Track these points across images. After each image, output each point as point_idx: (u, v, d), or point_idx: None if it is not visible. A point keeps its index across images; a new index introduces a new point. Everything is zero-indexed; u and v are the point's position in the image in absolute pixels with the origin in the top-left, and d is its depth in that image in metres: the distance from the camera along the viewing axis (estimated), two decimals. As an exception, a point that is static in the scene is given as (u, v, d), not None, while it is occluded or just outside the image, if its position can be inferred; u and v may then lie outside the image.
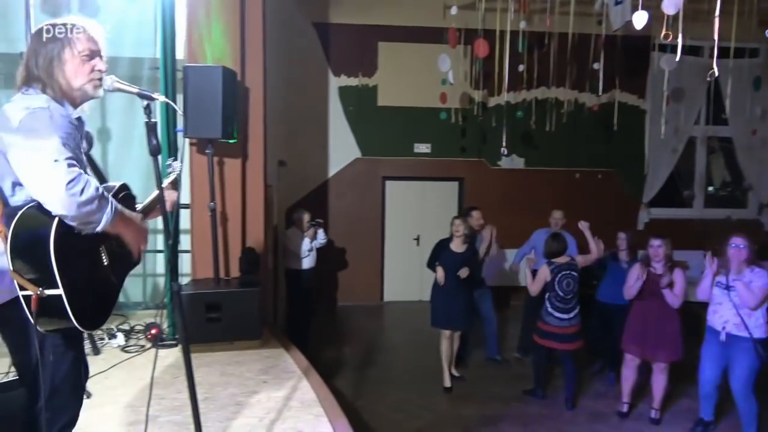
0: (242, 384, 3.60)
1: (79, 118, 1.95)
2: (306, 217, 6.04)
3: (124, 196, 2.10)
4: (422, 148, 8.55)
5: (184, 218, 4.74)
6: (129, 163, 5.05)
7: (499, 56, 6.72)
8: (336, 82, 8.33)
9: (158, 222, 2.30)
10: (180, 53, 4.57)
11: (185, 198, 4.59)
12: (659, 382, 4.64)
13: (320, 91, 8.28)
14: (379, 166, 8.49)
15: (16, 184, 1.78)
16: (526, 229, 6.35)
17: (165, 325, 4.47)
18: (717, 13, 3.46)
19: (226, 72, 4.24)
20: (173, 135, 4.36)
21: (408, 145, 8.51)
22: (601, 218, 7.74)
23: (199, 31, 4.54)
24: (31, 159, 1.69)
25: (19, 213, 1.73)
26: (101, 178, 2.17)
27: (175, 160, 2.59)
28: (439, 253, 5.29)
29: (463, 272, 5.12)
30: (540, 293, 4.98)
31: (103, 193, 1.76)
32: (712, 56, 3.72)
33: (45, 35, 1.88)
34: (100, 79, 1.94)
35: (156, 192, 2.21)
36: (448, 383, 5.40)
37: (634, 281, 4.57)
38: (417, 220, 8.71)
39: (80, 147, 1.85)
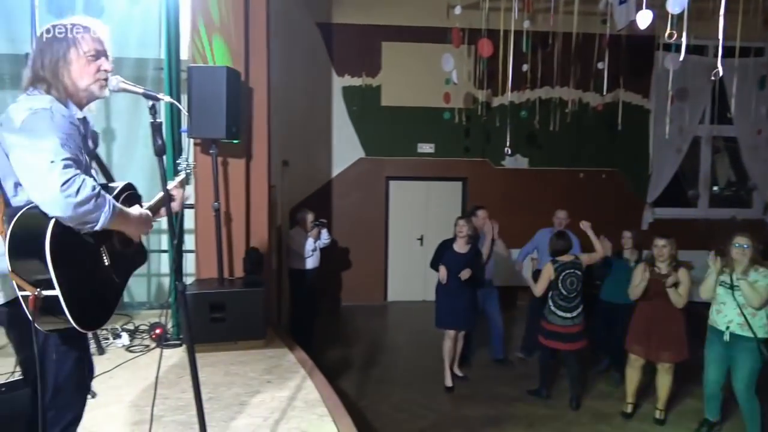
0: (246, 384, 3.61)
1: (84, 118, 1.95)
2: (310, 217, 6.05)
3: (129, 195, 2.10)
4: (426, 148, 8.55)
5: (189, 218, 4.76)
6: (133, 163, 5.07)
7: (503, 56, 6.71)
8: (339, 82, 8.33)
9: (163, 222, 2.30)
10: (184, 54, 4.58)
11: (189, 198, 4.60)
12: (664, 382, 4.63)
13: (324, 91, 8.29)
14: (382, 166, 8.49)
15: (18, 185, 1.79)
16: (529, 229, 6.34)
17: (169, 325, 4.47)
18: (722, 12, 3.45)
19: (230, 72, 4.25)
20: (178, 135, 4.37)
21: (411, 145, 8.51)
22: (605, 218, 7.71)
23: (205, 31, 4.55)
24: (28, 159, 1.70)
25: (19, 213, 1.74)
26: (108, 177, 2.17)
27: (186, 159, 2.60)
28: (443, 254, 5.29)
29: (465, 274, 5.12)
30: (545, 293, 4.97)
31: (99, 192, 1.76)
32: (716, 55, 3.71)
33: (50, 36, 1.89)
34: (106, 80, 1.95)
35: (169, 185, 2.23)
36: (449, 383, 5.40)
37: (638, 281, 4.56)
38: (420, 220, 8.70)
39: (81, 147, 1.84)
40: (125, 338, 4.35)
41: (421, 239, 8.68)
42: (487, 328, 6.04)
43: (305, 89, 7.98)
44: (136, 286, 5.36)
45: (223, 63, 4.43)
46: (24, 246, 1.73)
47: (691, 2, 3.93)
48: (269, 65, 4.84)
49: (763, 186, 8.92)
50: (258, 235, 4.83)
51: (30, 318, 1.76)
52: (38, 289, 1.73)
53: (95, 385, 2.96)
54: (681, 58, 3.87)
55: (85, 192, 1.70)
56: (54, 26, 1.91)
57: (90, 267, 1.87)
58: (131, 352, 4.16)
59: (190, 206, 4.65)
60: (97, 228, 1.77)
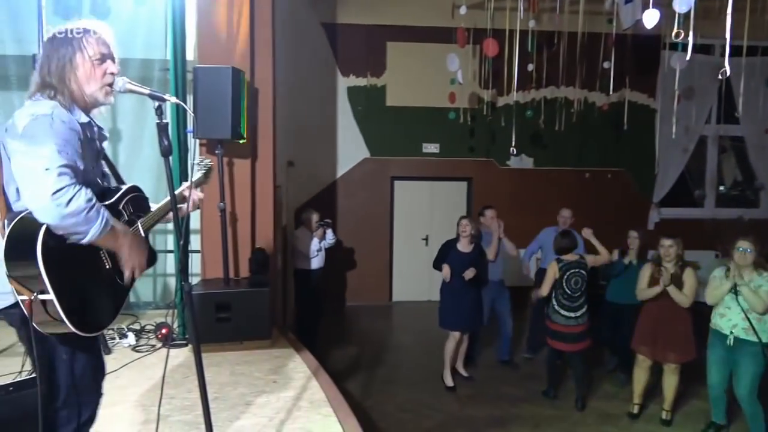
0: (252, 384, 3.61)
1: (89, 122, 1.96)
2: (315, 217, 6.05)
3: (134, 197, 2.10)
4: (431, 148, 8.54)
5: (194, 218, 4.77)
6: (139, 164, 5.09)
7: (508, 56, 6.70)
8: (344, 83, 8.34)
9: (168, 222, 2.31)
10: (190, 54, 4.59)
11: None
12: (670, 382, 4.61)
13: (329, 91, 8.30)
14: (387, 166, 8.49)
15: (19, 190, 1.80)
16: (535, 228, 6.33)
17: (175, 325, 4.49)
18: (729, 10, 3.43)
19: (235, 73, 4.26)
20: (184, 136, 4.38)
21: (417, 145, 8.50)
22: (611, 218, 7.72)
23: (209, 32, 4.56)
24: (25, 165, 1.71)
25: (16, 218, 1.75)
26: (118, 179, 2.18)
27: (203, 158, 2.60)
28: (447, 254, 5.28)
29: (469, 273, 5.12)
30: (550, 293, 4.96)
31: (94, 206, 1.75)
32: (723, 54, 3.69)
33: (56, 41, 1.90)
34: (112, 84, 1.95)
35: (180, 188, 2.23)
36: (450, 383, 5.40)
37: (646, 284, 4.54)
38: (425, 220, 8.70)
39: (81, 153, 1.83)
40: (131, 338, 4.36)
41: (426, 239, 8.68)
42: (496, 327, 6.02)
43: (310, 89, 8.00)
44: (142, 286, 5.38)
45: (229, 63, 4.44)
46: (18, 250, 1.73)
47: (698, 1, 3.91)
48: (275, 66, 4.85)
49: (770, 186, 8.87)
50: (263, 235, 4.83)
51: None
52: (34, 294, 1.73)
53: (102, 384, 2.97)
54: (688, 58, 3.86)
55: (77, 204, 1.70)
56: (60, 31, 1.92)
57: (88, 271, 1.87)
58: (137, 351, 4.17)
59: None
60: (84, 242, 1.75)
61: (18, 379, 2.79)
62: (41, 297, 1.73)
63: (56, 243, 1.74)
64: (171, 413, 3.15)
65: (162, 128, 2.01)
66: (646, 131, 8.66)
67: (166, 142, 2.01)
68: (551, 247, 5.34)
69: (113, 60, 1.97)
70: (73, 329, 1.77)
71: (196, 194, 2.35)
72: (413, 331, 7.27)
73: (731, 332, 4.12)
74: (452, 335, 5.37)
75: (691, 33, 3.70)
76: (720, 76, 3.68)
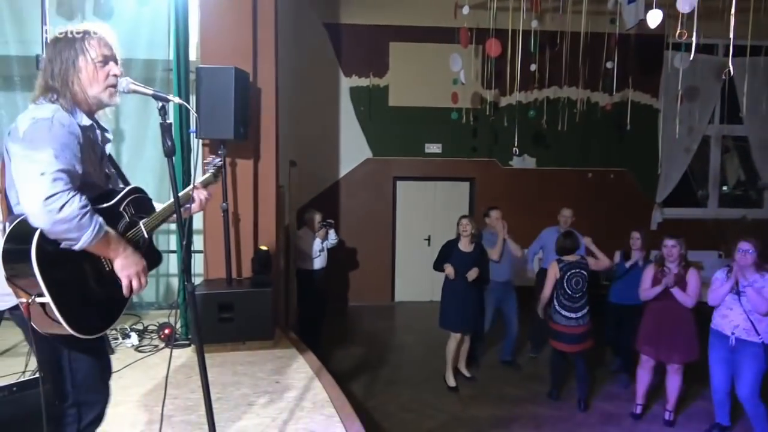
0: (254, 384, 3.62)
1: (91, 125, 1.96)
2: (317, 217, 6.05)
3: (137, 199, 2.09)
4: (433, 148, 8.54)
5: (197, 219, 4.77)
6: (142, 165, 5.10)
7: (511, 56, 6.69)
8: (347, 83, 8.34)
9: (170, 223, 2.31)
10: (193, 55, 4.60)
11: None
12: (674, 383, 4.60)
13: (331, 91, 8.30)
14: (390, 166, 8.49)
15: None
16: (537, 229, 6.32)
17: (178, 325, 4.49)
18: (733, 10, 3.42)
19: (238, 73, 4.26)
20: (187, 136, 4.39)
21: (419, 146, 8.50)
22: (614, 218, 7.72)
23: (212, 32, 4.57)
24: (23, 169, 1.72)
25: (16, 221, 1.76)
26: (124, 181, 2.18)
27: (214, 157, 2.58)
28: (449, 254, 5.27)
29: (472, 274, 5.12)
30: (552, 293, 4.96)
31: (87, 213, 1.74)
32: (726, 54, 3.68)
33: (59, 44, 1.90)
34: (116, 86, 1.96)
35: (187, 189, 2.24)
36: (452, 383, 5.40)
37: (649, 284, 4.53)
38: (428, 221, 8.70)
39: (79, 157, 1.82)
40: (134, 338, 4.37)
41: (428, 239, 8.67)
42: (500, 328, 6.01)
43: (313, 90, 8.00)
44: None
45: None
46: (15, 253, 1.74)
47: (701, 1, 3.90)
48: (277, 66, 4.85)
49: (774, 185, 8.85)
50: (266, 235, 4.84)
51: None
52: (32, 296, 1.74)
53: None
54: (691, 58, 3.85)
55: (70, 210, 1.70)
56: (62, 34, 1.92)
57: (87, 274, 1.86)
58: (140, 352, 4.18)
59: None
60: (76, 248, 1.75)
61: (21, 379, 2.79)
62: (38, 300, 1.73)
63: (53, 246, 1.74)
64: (174, 413, 3.15)
65: (165, 128, 2.01)
66: (649, 131, 8.63)
67: (169, 143, 2.01)
68: (552, 248, 5.34)
69: (116, 61, 1.97)
70: (72, 332, 1.78)
71: (203, 193, 2.34)
72: (416, 332, 7.26)
73: (733, 333, 4.11)
74: (453, 335, 5.37)
75: (694, 33, 3.69)
76: (724, 76, 3.68)
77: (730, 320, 4.13)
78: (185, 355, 4.15)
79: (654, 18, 4.03)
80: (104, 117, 2.07)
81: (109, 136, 2.08)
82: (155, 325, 4.61)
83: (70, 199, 1.70)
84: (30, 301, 1.74)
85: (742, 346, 4.08)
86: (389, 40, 8.28)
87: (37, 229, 1.71)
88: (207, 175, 2.50)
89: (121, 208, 2.01)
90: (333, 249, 6.34)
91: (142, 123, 5.08)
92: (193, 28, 4.56)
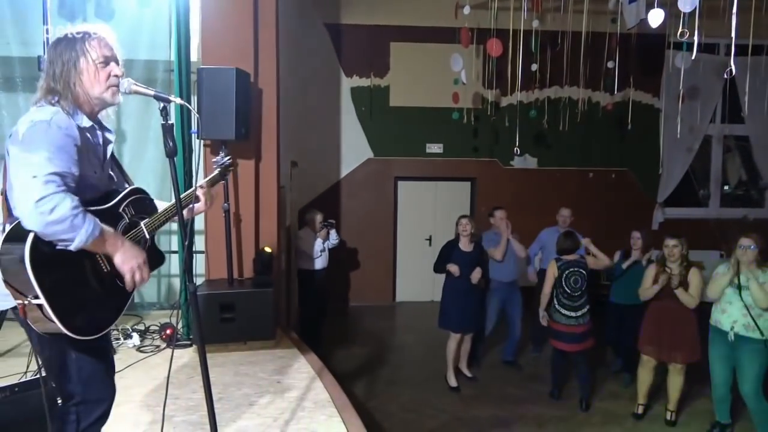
0: (256, 384, 3.62)
1: (91, 126, 1.96)
2: (318, 217, 6.06)
3: (137, 199, 2.09)
4: (434, 148, 8.54)
5: (198, 219, 4.77)
6: (144, 165, 5.10)
7: (512, 55, 6.69)
8: (348, 83, 8.35)
9: (172, 223, 2.31)
10: (194, 55, 4.60)
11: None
12: (675, 383, 4.59)
13: (332, 91, 8.31)
14: (391, 166, 8.49)
15: None
16: (539, 229, 6.31)
17: (179, 326, 4.50)
18: (734, 9, 3.41)
19: (239, 73, 4.26)
20: (188, 137, 4.39)
21: (420, 145, 8.50)
22: (615, 218, 7.72)
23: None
24: (17, 172, 1.73)
25: (14, 223, 1.76)
26: (128, 182, 2.18)
27: (223, 156, 2.57)
28: (450, 254, 5.27)
29: (476, 275, 5.14)
30: (551, 292, 4.96)
31: (80, 213, 1.74)
32: (728, 54, 3.68)
33: (59, 46, 1.91)
34: (118, 86, 1.96)
35: (190, 190, 2.24)
36: (453, 383, 5.40)
37: (650, 284, 4.53)
38: (429, 221, 8.70)
39: (76, 159, 1.82)
40: (136, 338, 4.38)
41: (429, 239, 8.67)
42: (502, 328, 6.00)
43: (314, 90, 8.01)
44: (147, 287, 5.39)
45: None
46: (10, 255, 1.74)
47: (702, 0, 3.90)
48: (278, 66, 4.86)
49: (775, 185, 8.83)
50: (267, 235, 4.84)
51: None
52: (28, 298, 1.74)
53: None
54: (693, 57, 3.84)
55: (61, 211, 1.69)
56: (63, 36, 1.93)
57: (83, 275, 1.86)
58: (142, 352, 4.19)
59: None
60: (72, 248, 1.75)
61: (23, 379, 2.80)
62: (34, 302, 1.74)
63: (48, 248, 1.74)
64: (176, 413, 3.16)
65: (167, 129, 2.01)
66: (651, 131, 8.61)
67: (171, 143, 2.01)
68: (551, 248, 5.35)
69: (117, 62, 1.98)
70: (68, 333, 1.78)
71: (209, 193, 2.34)
72: (417, 332, 7.26)
73: (732, 328, 4.10)
74: (453, 335, 5.36)
75: (696, 32, 3.69)
76: (725, 75, 3.67)
77: (729, 315, 4.13)
78: (187, 355, 4.16)
79: (655, 17, 4.03)
80: (107, 117, 2.08)
81: (111, 137, 2.08)
82: (157, 326, 4.61)
83: (61, 200, 1.70)
84: (26, 302, 1.75)
85: (742, 343, 4.08)
86: (390, 41, 8.28)
87: (30, 231, 1.72)
88: (213, 173, 2.48)
89: (121, 209, 2.02)
90: (334, 249, 6.34)
91: (143, 124, 5.08)
92: (195, 29, 4.57)
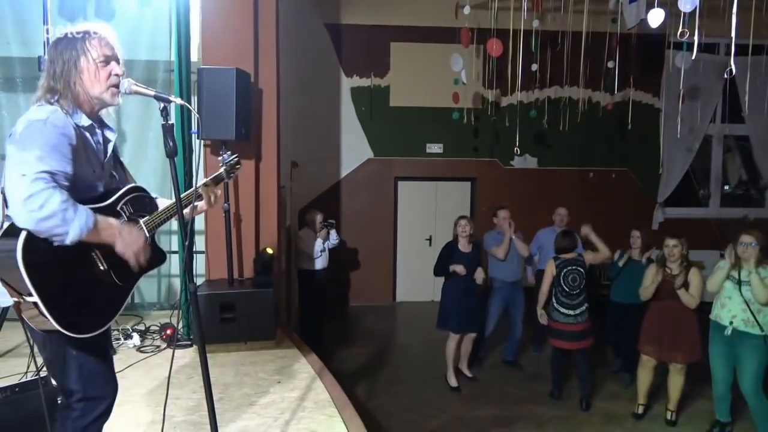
0: (256, 384, 3.62)
1: (91, 125, 1.96)
2: (319, 217, 6.06)
3: (136, 197, 2.08)
4: (435, 148, 8.54)
5: (199, 219, 4.78)
6: (144, 165, 5.10)
7: (512, 55, 6.69)
8: (348, 83, 8.35)
9: (173, 223, 2.31)
10: (194, 56, 4.61)
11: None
12: (676, 383, 4.59)
13: (332, 91, 8.31)
14: (391, 166, 8.49)
15: None
16: (539, 228, 6.32)
17: (180, 326, 4.49)
18: (734, 9, 3.42)
19: (239, 74, 4.27)
20: (188, 137, 4.40)
21: (420, 146, 8.50)
22: (615, 218, 7.69)
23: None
24: (8, 170, 1.74)
25: (10, 222, 1.76)
26: (131, 181, 2.18)
27: (229, 154, 2.55)
28: (451, 256, 5.26)
29: (479, 275, 5.15)
30: (550, 291, 4.97)
31: (70, 207, 1.74)
32: (728, 53, 3.68)
33: (60, 46, 1.91)
34: (118, 86, 1.96)
35: (190, 190, 2.23)
36: (454, 383, 5.40)
37: (650, 282, 4.53)
38: (429, 221, 8.70)
39: (70, 158, 1.81)
40: (136, 339, 4.38)
41: (429, 239, 8.67)
42: (504, 328, 6.00)
43: (314, 90, 8.00)
44: (147, 287, 5.40)
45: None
46: (3, 253, 1.74)
47: (702, 0, 3.90)
48: (278, 66, 4.86)
49: (776, 185, 8.83)
50: (268, 235, 4.84)
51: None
52: (23, 296, 1.75)
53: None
54: (693, 57, 3.84)
55: (51, 207, 1.69)
56: (63, 35, 1.93)
57: (78, 273, 1.86)
58: (142, 352, 4.19)
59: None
60: (68, 242, 1.75)
61: (24, 379, 2.80)
62: (28, 299, 1.74)
63: (43, 245, 1.74)
64: (176, 413, 3.16)
65: (167, 129, 2.01)
66: (651, 131, 8.60)
67: (171, 144, 2.01)
68: (549, 248, 5.35)
69: (117, 61, 1.97)
70: (63, 331, 1.78)
71: (213, 191, 2.33)
72: (417, 332, 7.26)
73: (731, 323, 4.11)
74: (452, 335, 5.36)
75: (696, 32, 3.69)
76: (725, 75, 3.67)
77: (729, 309, 4.14)
78: (187, 355, 4.16)
79: (655, 17, 4.03)
80: (108, 117, 2.08)
81: (112, 135, 2.07)
82: (157, 326, 4.61)
83: (50, 196, 1.70)
84: (21, 301, 1.76)
85: (741, 339, 4.08)
86: (390, 41, 8.28)
87: (23, 229, 1.72)
88: (219, 171, 2.46)
89: (119, 207, 2.01)
90: (334, 249, 6.35)
91: (143, 124, 5.08)
92: (195, 29, 4.58)
